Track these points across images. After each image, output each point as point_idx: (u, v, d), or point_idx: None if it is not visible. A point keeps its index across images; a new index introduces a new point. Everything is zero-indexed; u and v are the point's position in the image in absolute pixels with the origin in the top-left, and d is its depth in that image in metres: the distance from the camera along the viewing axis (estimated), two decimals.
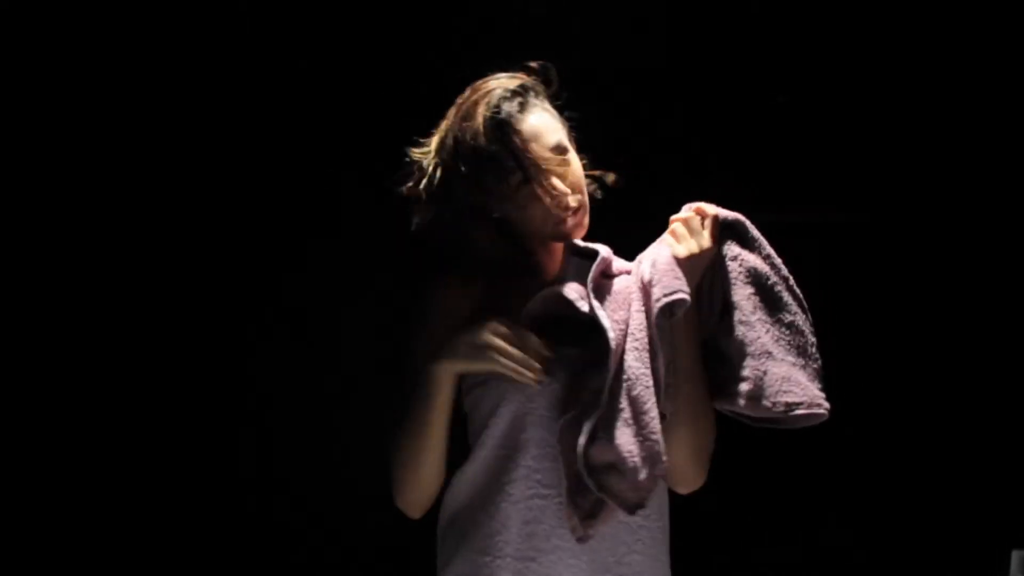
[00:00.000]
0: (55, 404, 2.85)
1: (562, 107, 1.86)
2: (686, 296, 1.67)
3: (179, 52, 2.85)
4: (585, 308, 1.71)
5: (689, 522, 2.00)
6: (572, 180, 1.77)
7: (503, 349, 1.67)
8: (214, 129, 2.88)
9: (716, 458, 1.80)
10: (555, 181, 1.74)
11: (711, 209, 1.75)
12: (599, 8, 2.85)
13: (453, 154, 1.75)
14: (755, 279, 1.74)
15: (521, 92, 1.78)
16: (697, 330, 1.76)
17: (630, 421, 1.65)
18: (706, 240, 1.72)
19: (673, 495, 1.82)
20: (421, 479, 1.75)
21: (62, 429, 2.85)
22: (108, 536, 2.86)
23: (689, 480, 1.77)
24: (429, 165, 1.79)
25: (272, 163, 2.90)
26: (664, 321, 1.69)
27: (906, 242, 2.96)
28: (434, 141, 1.81)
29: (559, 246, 1.84)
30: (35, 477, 2.83)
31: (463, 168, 1.74)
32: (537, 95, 1.81)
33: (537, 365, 1.68)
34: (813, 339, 1.76)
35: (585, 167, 1.85)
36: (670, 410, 1.71)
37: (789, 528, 2.93)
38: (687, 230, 1.74)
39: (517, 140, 1.72)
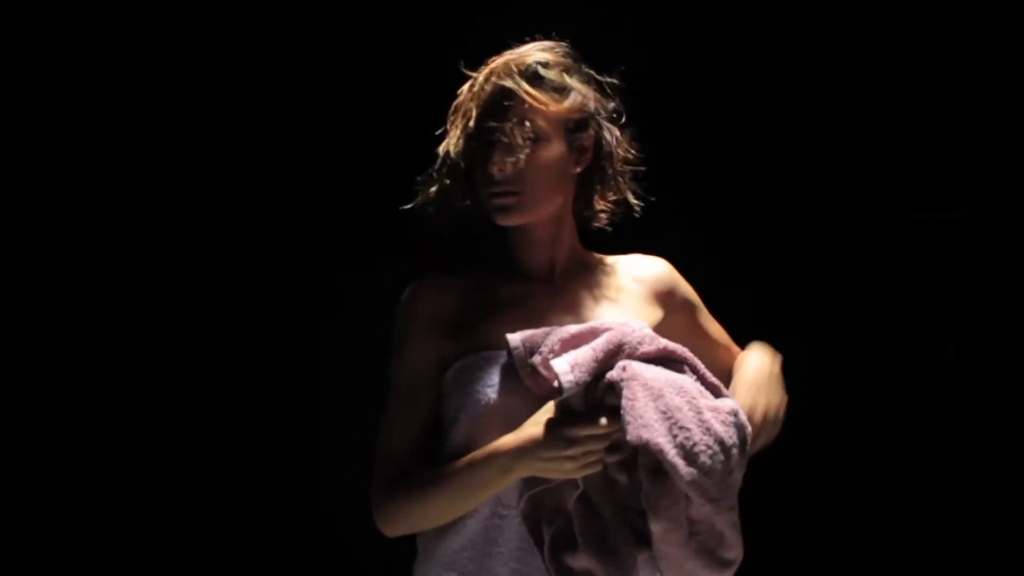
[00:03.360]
0: (50, 403, 2.85)
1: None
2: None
3: (181, 52, 2.86)
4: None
5: None
6: (505, 159, 1.68)
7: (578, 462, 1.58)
8: (212, 127, 2.88)
9: None
10: (496, 159, 1.69)
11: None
12: None
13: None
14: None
15: (542, 65, 1.71)
16: None
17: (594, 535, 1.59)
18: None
19: None
20: (428, 526, 1.72)
21: (57, 428, 2.85)
22: (107, 534, 2.87)
23: None
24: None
25: (270, 162, 2.90)
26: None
27: None
28: None
29: (547, 252, 1.80)
30: (29, 477, 2.83)
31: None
32: (567, 73, 1.74)
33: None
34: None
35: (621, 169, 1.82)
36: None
37: None
38: None
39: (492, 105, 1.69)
